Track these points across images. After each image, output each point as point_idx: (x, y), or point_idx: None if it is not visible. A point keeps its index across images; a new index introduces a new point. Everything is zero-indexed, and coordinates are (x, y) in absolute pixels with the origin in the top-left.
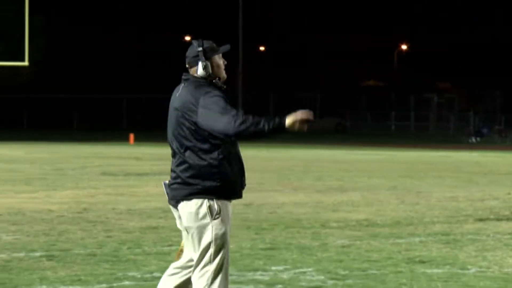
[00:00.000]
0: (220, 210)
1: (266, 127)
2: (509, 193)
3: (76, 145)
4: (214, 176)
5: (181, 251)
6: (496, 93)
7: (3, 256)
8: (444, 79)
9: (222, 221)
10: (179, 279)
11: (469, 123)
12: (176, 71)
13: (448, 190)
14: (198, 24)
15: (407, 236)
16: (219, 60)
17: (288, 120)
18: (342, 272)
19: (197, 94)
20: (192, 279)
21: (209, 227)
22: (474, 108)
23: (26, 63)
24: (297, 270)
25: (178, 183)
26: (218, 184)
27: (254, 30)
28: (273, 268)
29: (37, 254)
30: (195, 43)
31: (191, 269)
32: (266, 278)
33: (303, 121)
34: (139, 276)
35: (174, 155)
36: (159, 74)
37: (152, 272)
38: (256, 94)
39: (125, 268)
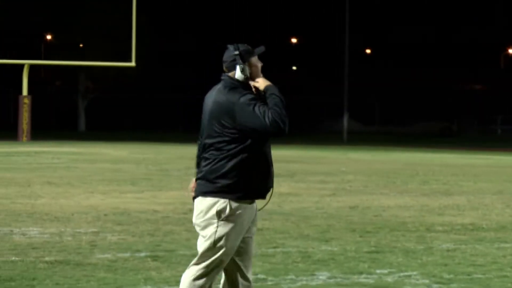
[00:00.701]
0: (232, 212)
1: (281, 98)
2: None
3: (181, 146)
4: (234, 175)
5: None
6: None
7: (108, 256)
8: None
9: (230, 223)
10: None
11: None
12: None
13: None
14: (304, 26)
15: None
16: (256, 62)
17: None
18: (447, 276)
19: (232, 96)
20: (187, 270)
21: (214, 227)
22: None
23: (133, 63)
24: (401, 274)
25: (201, 178)
26: (237, 184)
27: (360, 32)
28: (378, 271)
29: (142, 254)
30: (231, 47)
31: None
32: (371, 281)
33: None
34: None
35: (204, 150)
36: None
37: (256, 274)
38: (361, 95)
39: None
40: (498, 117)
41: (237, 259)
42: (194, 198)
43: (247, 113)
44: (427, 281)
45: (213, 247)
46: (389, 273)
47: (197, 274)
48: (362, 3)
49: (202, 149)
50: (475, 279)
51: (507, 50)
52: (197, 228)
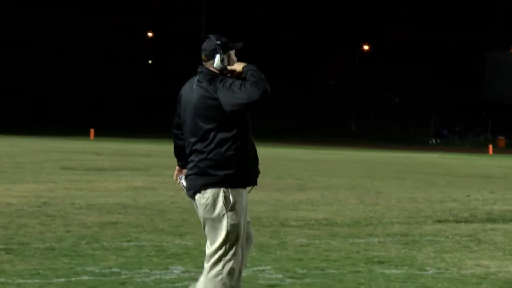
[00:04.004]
0: (235, 202)
1: (258, 71)
2: (468, 195)
3: (35, 139)
4: (231, 165)
5: None
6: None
7: None
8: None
9: (237, 211)
10: None
11: (430, 124)
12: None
13: (407, 191)
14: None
15: (366, 236)
16: (233, 56)
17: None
18: (301, 271)
19: (212, 86)
20: (206, 267)
21: (224, 218)
22: (434, 110)
23: None
24: (255, 268)
25: (196, 173)
26: (235, 173)
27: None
28: None
29: None
30: (212, 37)
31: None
32: None
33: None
34: (97, 271)
35: (192, 147)
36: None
37: (110, 267)
38: None
39: (83, 262)
40: (352, 112)
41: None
42: (194, 193)
43: (227, 94)
44: (280, 275)
45: (230, 237)
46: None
47: (225, 266)
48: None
49: (191, 145)
50: (329, 274)
51: (362, 47)
52: (207, 223)
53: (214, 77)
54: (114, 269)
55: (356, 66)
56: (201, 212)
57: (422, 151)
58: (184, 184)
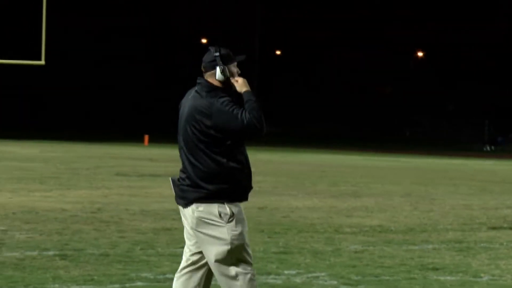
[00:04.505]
0: (232, 213)
1: (258, 103)
2: None
3: (89, 145)
4: (225, 179)
5: None
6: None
7: (16, 254)
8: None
9: (236, 222)
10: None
11: (483, 131)
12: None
13: (462, 198)
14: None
15: (421, 243)
16: (234, 68)
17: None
18: (355, 278)
19: (209, 99)
20: (219, 281)
21: (224, 230)
22: (488, 117)
23: (42, 62)
24: (310, 275)
25: (189, 185)
26: (229, 187)
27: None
28: (286, 272)
29: (50, 253)
30: (212, 49)
31: (195, 265)
32: (279, 282)
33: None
34: (151, 277)
35: (185, 157)
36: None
37: (165, 273)
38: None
39: (138, 268)
40: (406, 119)
41: None
42: (186, 204)
43: (225, 115)
44: (335, 282)
45: (234, 248)
46: (297, 274)
47: (234, 275)
48: None
49: (184, 155)
50: (383, 281)
51: (416, 53)
52: (201, 236)
53: (212, 90)
54: (169, 275)
55: (411, 72)
56: (194, 225)
57: (476, 158)
58: (174, 188)
